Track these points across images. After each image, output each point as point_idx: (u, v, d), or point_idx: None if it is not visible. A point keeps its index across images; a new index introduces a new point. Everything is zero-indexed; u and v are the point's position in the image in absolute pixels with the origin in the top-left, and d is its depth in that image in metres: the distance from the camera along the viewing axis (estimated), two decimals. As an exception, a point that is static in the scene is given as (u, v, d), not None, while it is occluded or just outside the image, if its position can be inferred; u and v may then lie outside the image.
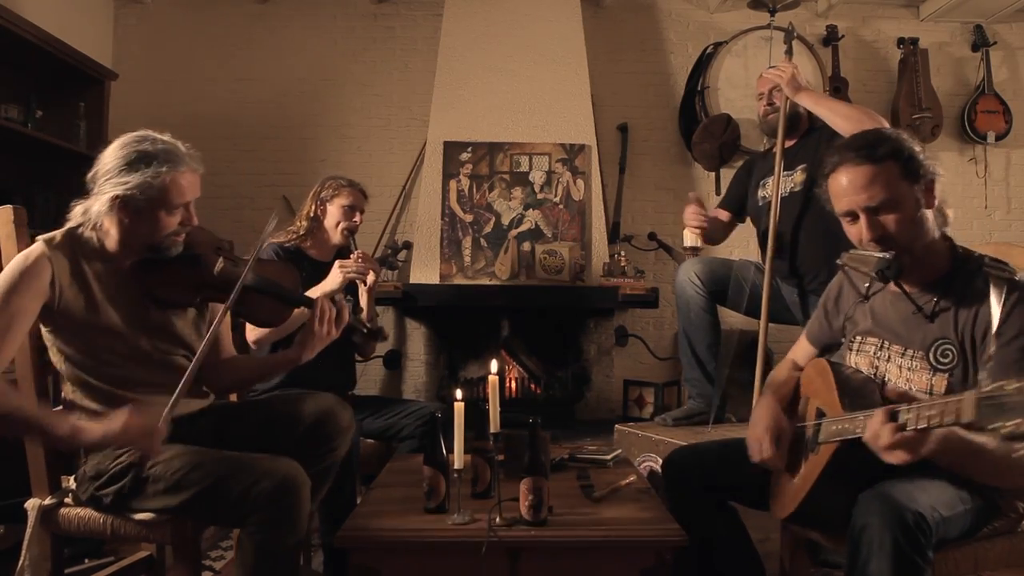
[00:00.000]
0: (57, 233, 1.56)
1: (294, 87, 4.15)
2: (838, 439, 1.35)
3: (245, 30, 4.17)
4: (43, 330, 1.56)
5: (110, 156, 1.55)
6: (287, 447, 1.65)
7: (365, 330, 1.96)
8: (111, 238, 1.58)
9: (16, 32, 2.93)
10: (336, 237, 2.46)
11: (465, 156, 3.69)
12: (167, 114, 4.00)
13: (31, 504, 1.61)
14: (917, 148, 1.43)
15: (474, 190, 3.68)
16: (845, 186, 1.41)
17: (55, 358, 1.58)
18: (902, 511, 1.23)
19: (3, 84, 3.21)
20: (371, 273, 2.35)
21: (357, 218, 2.48)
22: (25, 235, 1.64)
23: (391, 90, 4.18)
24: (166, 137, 1.60)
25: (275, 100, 4.14)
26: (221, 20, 4.17)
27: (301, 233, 2.46)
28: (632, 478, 1.83)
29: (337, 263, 2.32)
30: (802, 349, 1.80)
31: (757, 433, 1.57)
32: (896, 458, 1.18)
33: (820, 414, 1.49)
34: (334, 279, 2.29)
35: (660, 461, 2.44)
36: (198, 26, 4.16)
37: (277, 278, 1.78)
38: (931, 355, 1.41)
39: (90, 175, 1.56)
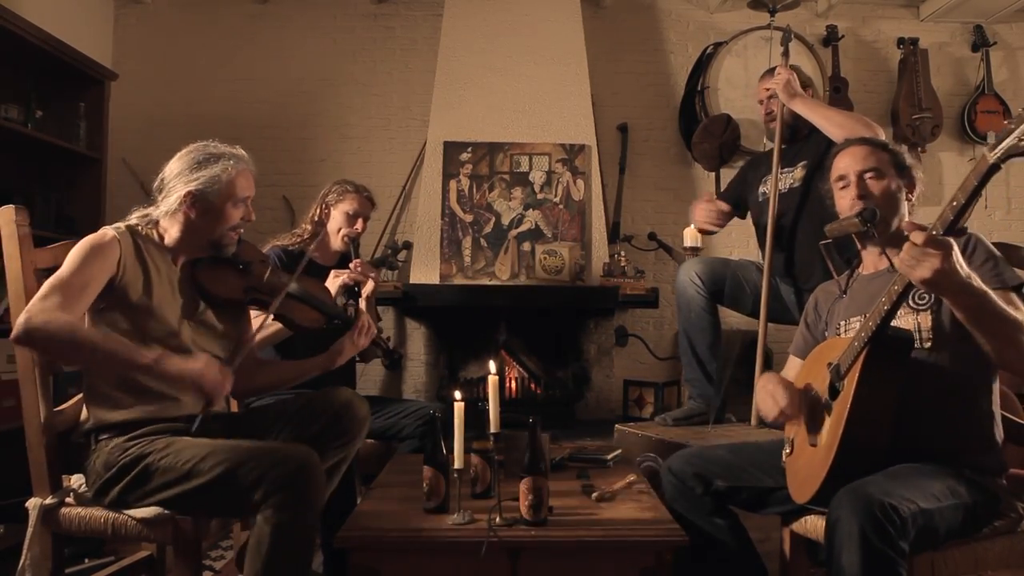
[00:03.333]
0: (121, 224, 1.67)
1: (294, 87, 4.15)
2: (864, 342, 1.40)
3: (245, 30, 4.17)
4: (92, 311, 1.60)
5: (177, 162, 1.69)
6: (303, 441, 1.66)
7: (385, 347, 2.14)
8: (171, 236, 1.70)
9: (16, 32, 2.93)
10: (337, 243, 2.45)
11: (465, 156, 3.70)
12: (167, 114, 4.01)
13: (32, 503, 1.61)
14: (907, 155, 1.70)
15: (474, 190, 3.68)
16: (847, 159, 1.68)
17: None
18: (870, 503, 1.25)
19: (3, 84, 3.21)
20: (370, 282, 2.32)
21: (359, 225, 2.46)
22: (26, 235, 1.64)
23: (391, 90, 4.18)
24: (225, 145, 1.75)
25: (275, 100, 4.14)
26: (221, 20, 4.17)
27: (305, 237, 2.45)
28: (632, 478, 1.83)
29: (333, 273, 2.31)
30: (793, 368, 1.81)
31: (768, 390, 1.63)
32: (929, 265, 1.23)
33: (831, 364, 1.51)
34: (330, 287, 2.29)
35: (660, 461, 2.44)
36: (198, 26, 4.16)
37: (314, 291, 1.96)
38: (910, 302, 1.53)
39: (156, 183, 1.70)
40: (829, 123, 2.40)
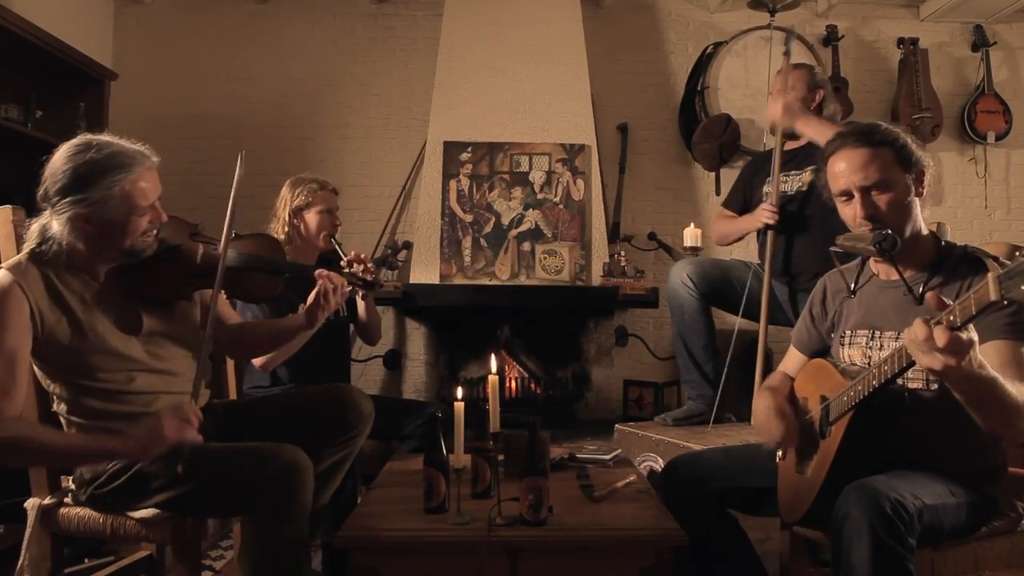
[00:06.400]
0: (21, 257, 1.47)
1: (294, 87, 4.15)
2: (852, 405, 1.36)
3: (245, 30, 4.17)
4: (32, 362, 1.49)
5: (59, 172, 1.44)
6: (303, 437, 1.65)
7: (362, 280, 1.94)
8: (79, 252, 1.49)
9: (16, 32, 2.93)
10: (320, 243, 2.44)
11: (465, 156, 3.69)
12: (167, 114, 4.01)
13: (31, 504, 1.61)
14: (911, 140, 1.52)
15: (474, 190, 3.68)
16: (843, 167, 1.51)
17: (48, 383, 1.53)
18: (879, 499, 1.24)
19: (3, 84, 3.20)
20: (368, 273, 2.32)
21: (337, 219, 2.47)
22: (23, 236, 1.64)
23: (391, 90, 4.18)
24: (106, 138, 1.50)
25: (275, 100, 4.14)
26: (221, 20, 4.17)
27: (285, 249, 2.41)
28: (632, 478, 1.83)
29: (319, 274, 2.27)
30: (792, 359, 1.79)
31: (761, 421, 1.59)
32: (944, 362, 1.11)
33: (824, 400, 1.50)
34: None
35: (660, 461, 2.44)
36: (198, 26, 4.16)
37: (258, 251, 1.73)
38: None
39: (40, 192, 1.47)
40: None
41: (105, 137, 1.50)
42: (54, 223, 1.46)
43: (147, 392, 1.57)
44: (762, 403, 1.63)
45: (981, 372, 1.18)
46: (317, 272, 1.77)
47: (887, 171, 1.48)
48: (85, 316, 1.49)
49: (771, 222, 2.54)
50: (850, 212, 1.53)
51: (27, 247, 1.50)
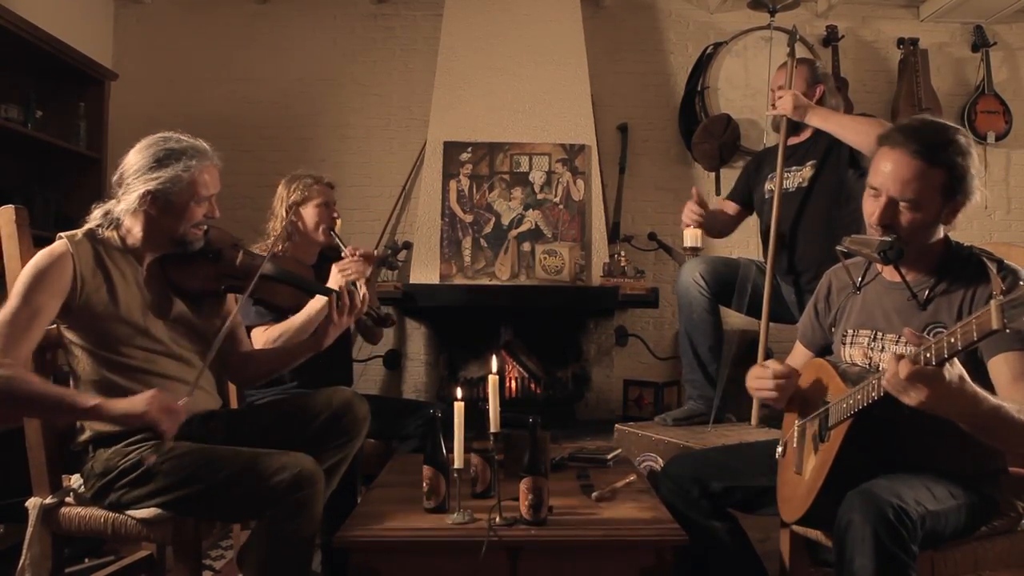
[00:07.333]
0: (78, 231, 1.62)
1: (294, 87, 4.15)
2: (851, 413, 1.34)
3: (245, 30, 4.17)
4: (61, 328, 1.59)
5: (136, 156, 1.63)
6: (302, 440, 1.67)
7: (375, 315, 2.05)
8: (133, 235, 1.65)
9: (16, 32, 2.93)
10: (319, 237, 2.44)
11: (465, 156, 3.70)
12: (167, 114, 3.97)
13: (32, 503, 1.61)
14: (974, 169, 1.44)
15: (474, 190, 3.68)
16: (888, 169, 1.44)
17: (72, 358, 1.60)
18: (883, 506, 1.23)
19: (3, 84, 3.21)
20: (368, 267, 2.33)
21: (335, 213, 2.47)
22: (26, 235, 1.64)
23: (391, 90, 4.18)
24: (187, 136, 1.69)
25: (275, 100, 4.14)
26: (221, 20, 4.17)
27: (283, 246, 2.40)
28: (632, 478, 1.83)
29: (335, 267, 2.30)
30: (798, 354, 1.80)
31: (757, 369, 1.62)
32: (916, 395, 1.15)
33: (824, 404, 1.49)
34: (335, 284, 2.27)
35: (660, 461, 2.44)
36: (198, 26, 4.16)
37: (292, 269, 1.92)
38: None
39: (116, 177, 1.64)
40: (845, 130, 2.38)
41: (184, 135, 1.70)
42: (120, 205, 1.62)
43: (165, 375, 1.64)
44: (754, 370, 1.67)
45: (978, 408, 1.19)
46: (339, 289, 1.85)
47: (927, 194, 1.41)
48: (122, 289, 1.60)
49: (689, 221, 2.64)
50: (870, 207, 1.48)
51: (87, 225, 1.64)
